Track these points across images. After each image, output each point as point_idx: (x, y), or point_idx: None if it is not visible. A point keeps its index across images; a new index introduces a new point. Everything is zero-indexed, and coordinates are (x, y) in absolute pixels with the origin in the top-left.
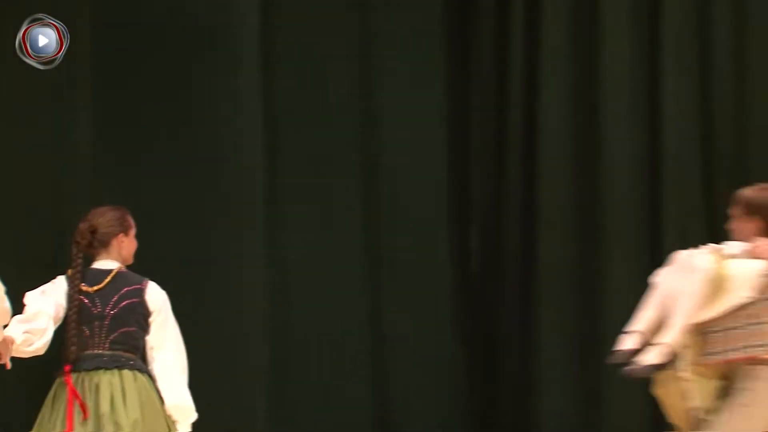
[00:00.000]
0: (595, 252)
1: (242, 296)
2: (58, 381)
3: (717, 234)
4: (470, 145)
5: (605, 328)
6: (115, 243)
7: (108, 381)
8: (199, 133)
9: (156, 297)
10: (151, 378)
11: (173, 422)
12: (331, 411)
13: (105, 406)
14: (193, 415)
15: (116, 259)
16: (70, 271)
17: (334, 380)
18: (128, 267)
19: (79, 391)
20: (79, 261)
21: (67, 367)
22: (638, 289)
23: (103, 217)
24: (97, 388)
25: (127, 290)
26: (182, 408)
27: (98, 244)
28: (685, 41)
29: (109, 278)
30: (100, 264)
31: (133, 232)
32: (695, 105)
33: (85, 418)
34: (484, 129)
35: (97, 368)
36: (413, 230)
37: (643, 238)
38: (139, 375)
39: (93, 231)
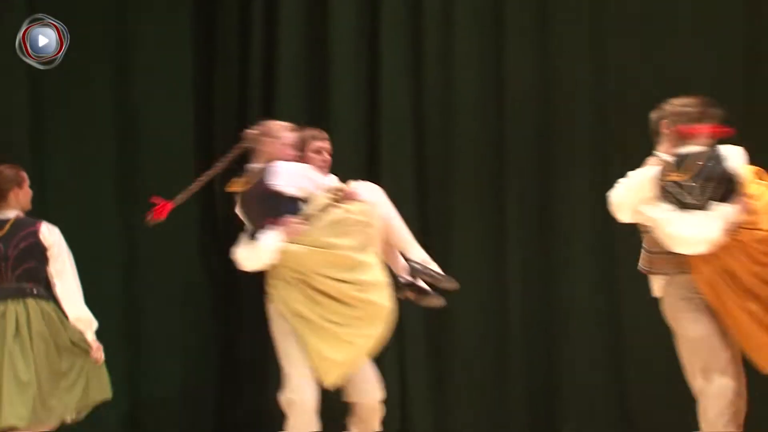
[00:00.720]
0: None
1: None
2: None
3: (427, 213)
4: (215, 105)
5: None
6: (12, 195)
7: (13, 309)
8: None
9: (49, 234)
10: (54, 302)
11: (80, 332)
12: None
13: (9, 333)
14: (95, 324)
15: (15, 208)
16: None
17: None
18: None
19: None
20: None
21: None
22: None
23: (0, 175)
24: (3, 315)
25: (24, 233)
26: (84, 319)
27: None
28: (400, 32)
29: (8, 225)
30: (1, 214)
31: (26, 183)
32: (408, 94)
33: None
34: (227, 90)
35: (5, 298)
36: (164, 180)
37: None
38: (40, 301)
39: None
